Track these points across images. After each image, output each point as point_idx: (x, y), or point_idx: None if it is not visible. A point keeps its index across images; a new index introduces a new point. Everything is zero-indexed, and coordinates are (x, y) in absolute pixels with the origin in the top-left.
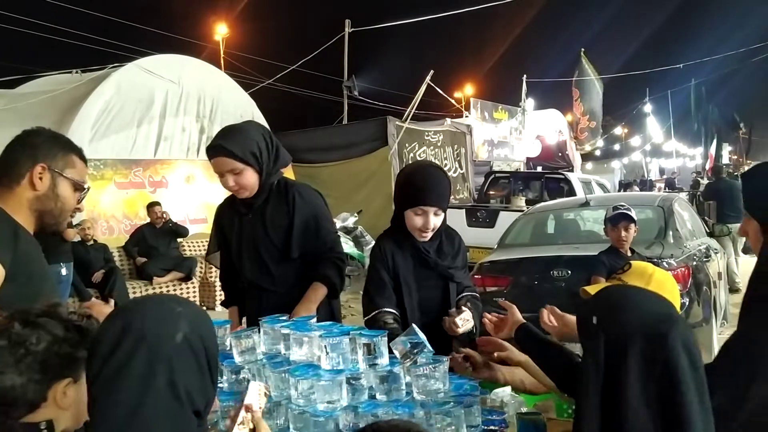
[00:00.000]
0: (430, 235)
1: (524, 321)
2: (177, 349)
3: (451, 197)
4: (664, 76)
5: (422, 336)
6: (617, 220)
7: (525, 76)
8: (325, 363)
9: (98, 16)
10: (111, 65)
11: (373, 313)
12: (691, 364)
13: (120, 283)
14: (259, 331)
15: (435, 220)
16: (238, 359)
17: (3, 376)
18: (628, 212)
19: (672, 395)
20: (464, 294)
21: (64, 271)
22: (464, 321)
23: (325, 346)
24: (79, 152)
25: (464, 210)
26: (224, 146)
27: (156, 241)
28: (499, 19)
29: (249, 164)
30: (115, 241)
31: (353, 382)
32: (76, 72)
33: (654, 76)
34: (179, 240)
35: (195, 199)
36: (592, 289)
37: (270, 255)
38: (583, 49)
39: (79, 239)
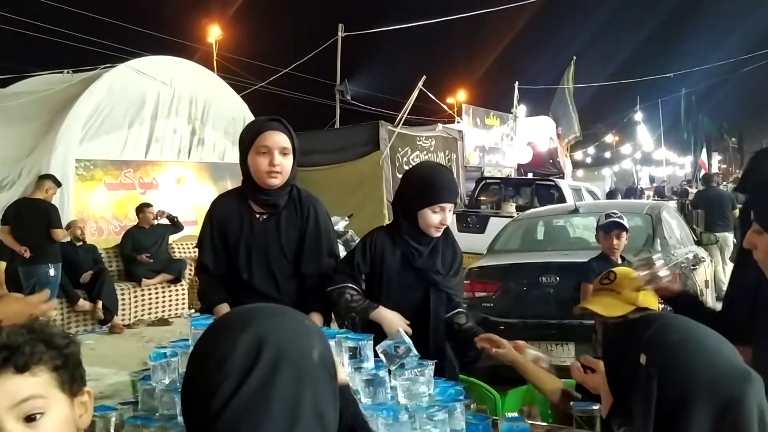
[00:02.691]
0: (442, 229)
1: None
2: (316, 370)
3: None
4: (654, 85)
5: (408, 340)
6: (610, 228)
7: (517, 82)
8: None
9: (91, 17)
10: (103, 66)
11: (341, 285)
12: (761, 429)
13: (108, 284)
14: None
15: (450, 216)
16: None
17: None
18: (621, 220)
19: None
20: (458, 311)
21: (52, 272)
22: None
23: None
24: None
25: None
26: (285, 123)
27: (145, 242)
28: (492, 25)
29: (294, 151)
30: (104, 242)
31: None
32: (68, 72)
33: (645, 85)
34: (169, 242)
35: (185, 201)
36: (589, 304)
37: (279, 267)
38: (574, 57)
39: (69, 240)
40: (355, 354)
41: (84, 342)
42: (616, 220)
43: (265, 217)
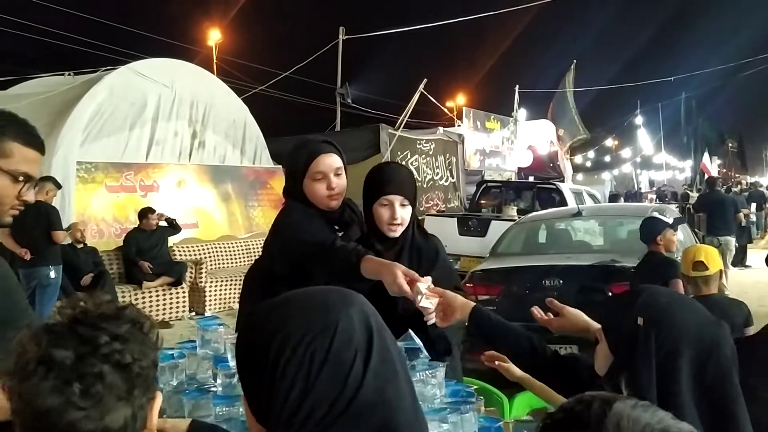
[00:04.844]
0: (399, 229)
1: (474, 303)
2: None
3: (442, 206)
4: (655, 89)
5: (418, 341)
6: (678, 223)
7: (517, 86)
8: None
9: (92, 19)
10: (104, 68)
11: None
12: (736, 371)
13: (109, 287)
14: None
15: (402, 212)
16: (233, 363)
17: (114, 415)
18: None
19: (723, 401)
20: None
21: (52, 274)
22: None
23: None
24: (22, 137)
25: (456, 219)
26: (334, 143)
27: (146, 245)
28: (493, 29)
29: (345, 170)
30: (104, 244)
31: None
32: (69, 74)
33: (645, 89)
34: (169, 244)
35: (186, 204)
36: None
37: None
38: (575, 61)
39: (69, 242)
40: None
41: None
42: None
43: (341, 234)
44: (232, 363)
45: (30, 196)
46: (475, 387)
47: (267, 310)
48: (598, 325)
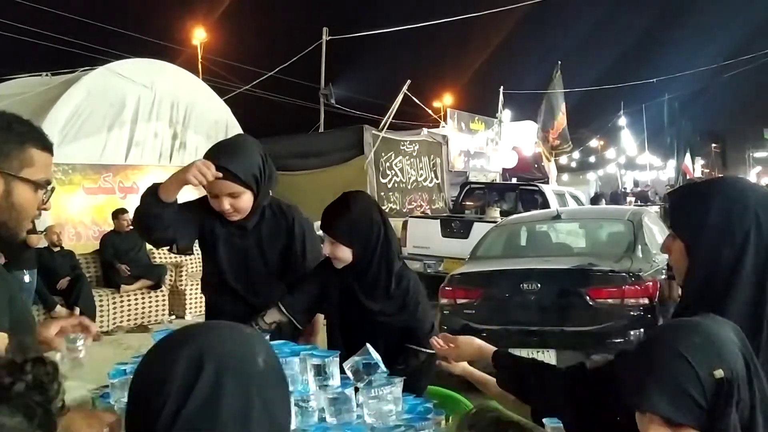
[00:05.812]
0: (338, 264)
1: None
2: (262, 376)
3: (427, 207)
4: (638, 90)
5: (376, 356)
6: None
7: (502, 87)
8: None
9: (70, 18)
10: (82, 68)
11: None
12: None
13: (86, 290)
14: None
15: (333, 249)
16: None
17: None
18: None
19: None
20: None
21: (27, 279)
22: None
23: None
24: (40, 141)
25: (439, 220)
26: (229, 168)
27: (123, 247)
28: (477, 30)
29: (249, 187)
30: (83, 247)
31: (302, 404)
32: (46, 75)
33: (629, 90)
34: (148, 247)
35: None
36: None
37: (260, 275)
38: (559, 62)
39: (45, 245)
40: (320, 371)
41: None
42: None
43: (243, 237)
44: None
45: (49, 205)
46: (440, 395)
47: None
48: (491, 348)
